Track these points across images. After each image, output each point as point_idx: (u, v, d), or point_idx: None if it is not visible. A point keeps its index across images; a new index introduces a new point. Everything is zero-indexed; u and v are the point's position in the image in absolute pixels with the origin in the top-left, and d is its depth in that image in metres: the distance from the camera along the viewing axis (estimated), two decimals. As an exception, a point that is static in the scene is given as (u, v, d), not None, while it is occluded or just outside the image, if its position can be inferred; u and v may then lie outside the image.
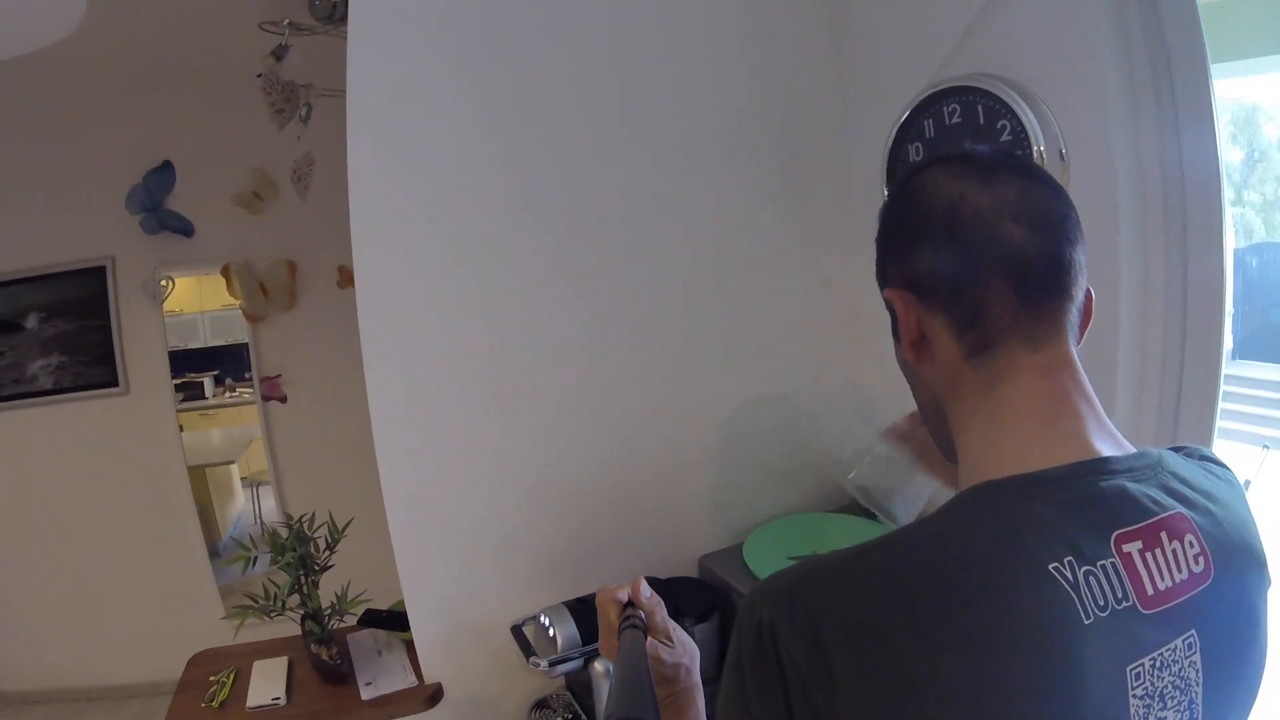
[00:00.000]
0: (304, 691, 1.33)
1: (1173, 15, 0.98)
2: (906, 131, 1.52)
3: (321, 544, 1.40)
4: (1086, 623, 0.44)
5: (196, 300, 2.95)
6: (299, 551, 1.30)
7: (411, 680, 1.36)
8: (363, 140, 1.18)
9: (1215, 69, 0.99)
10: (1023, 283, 0.51)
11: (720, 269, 1.55)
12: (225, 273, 2.68)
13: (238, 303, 2.83)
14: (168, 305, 2.80)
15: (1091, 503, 0.47)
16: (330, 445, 2.86)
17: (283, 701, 1.29)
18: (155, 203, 2.62)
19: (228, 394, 3.33)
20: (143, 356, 2.74)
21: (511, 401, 1.36)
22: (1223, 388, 1.10)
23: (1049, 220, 0.52)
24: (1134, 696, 0.45)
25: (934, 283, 0.54)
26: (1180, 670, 0.47)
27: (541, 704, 1.34)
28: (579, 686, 1.35)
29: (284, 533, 1.40)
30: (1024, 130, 1.21)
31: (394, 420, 1.26)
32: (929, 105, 1.47)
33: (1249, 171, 1.25)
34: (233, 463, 3.16)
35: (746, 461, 1.64)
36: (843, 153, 1.69)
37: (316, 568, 1.37)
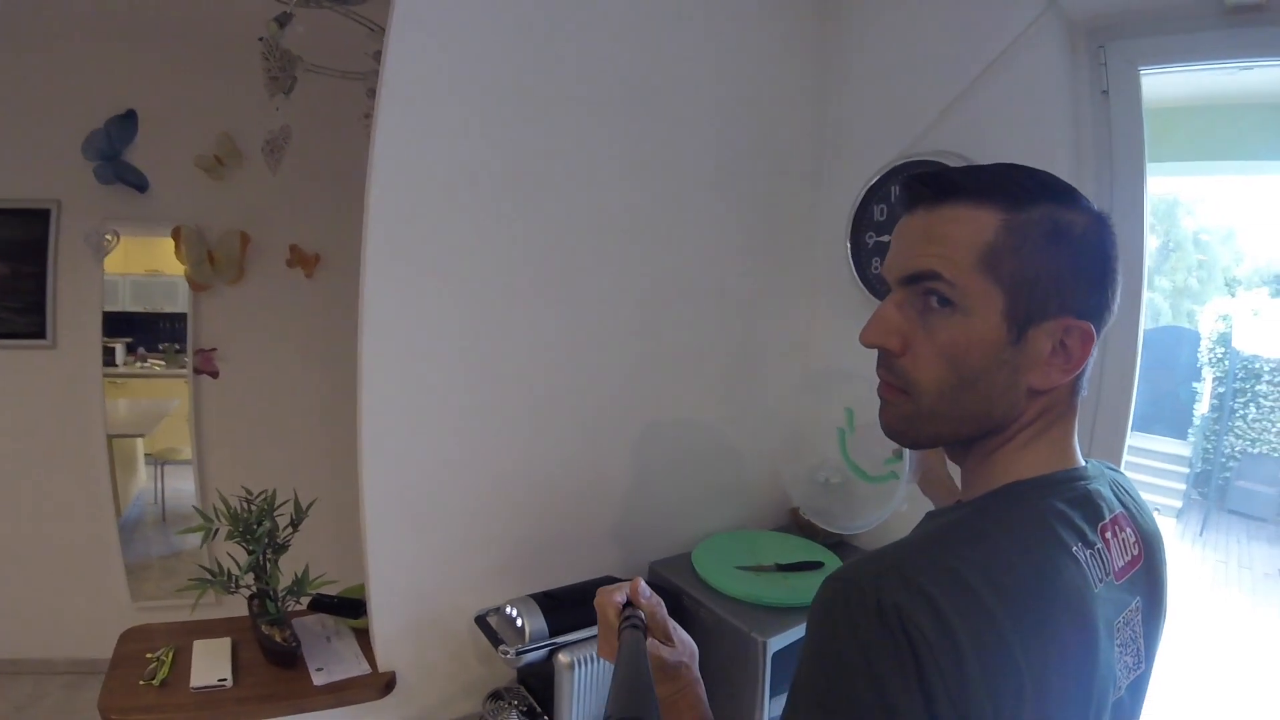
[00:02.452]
0: (252, 674, 1.29)
1: (1121, 123, 1.17)
2: (874, 194, 1.69)
3: (282, 522, 1.37)
4: (1095, 591, 0.56)
5: (121, 262, 2.76)
6: (267, 526, 1.27)
7: (364, 668, 1.35)
8: (389, 131, 1.20)
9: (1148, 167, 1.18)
10: None
11: (692, 299, 1.66)
12: (175, 235, 2.54)
13: (163, 270, 2.69)
14: (92, 262, 2.62)
15: (1084, 501, 0.60)
16: (260, 426, 2.76)
17: (229, 683, 1.25)
18: (114, 151, 2.46)
19: (139, 364, 3.14)
20: (75, 312, 2.55)
21: (495, 400, 1.40)
22: (1126, 457, 1.30)
23: None
24: (1116, 645, 0.58)
25: (1102, 325, 0.60)
26: (1134, 626, 0.61)
27: (495, 695, 1.37)
28: (533, 679, 1.38)
29: (240, 507, 1.36)
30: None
31: (383, 407, 1.26)
32: (898, 173, 1.63)
33: (1163, 259, 1.46)
34: (143, 436, 2.97)
35: (699, 478, 1.74)
36: (812, 204, 1.84)
37: (276, 545, 1.34)
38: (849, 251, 1.74)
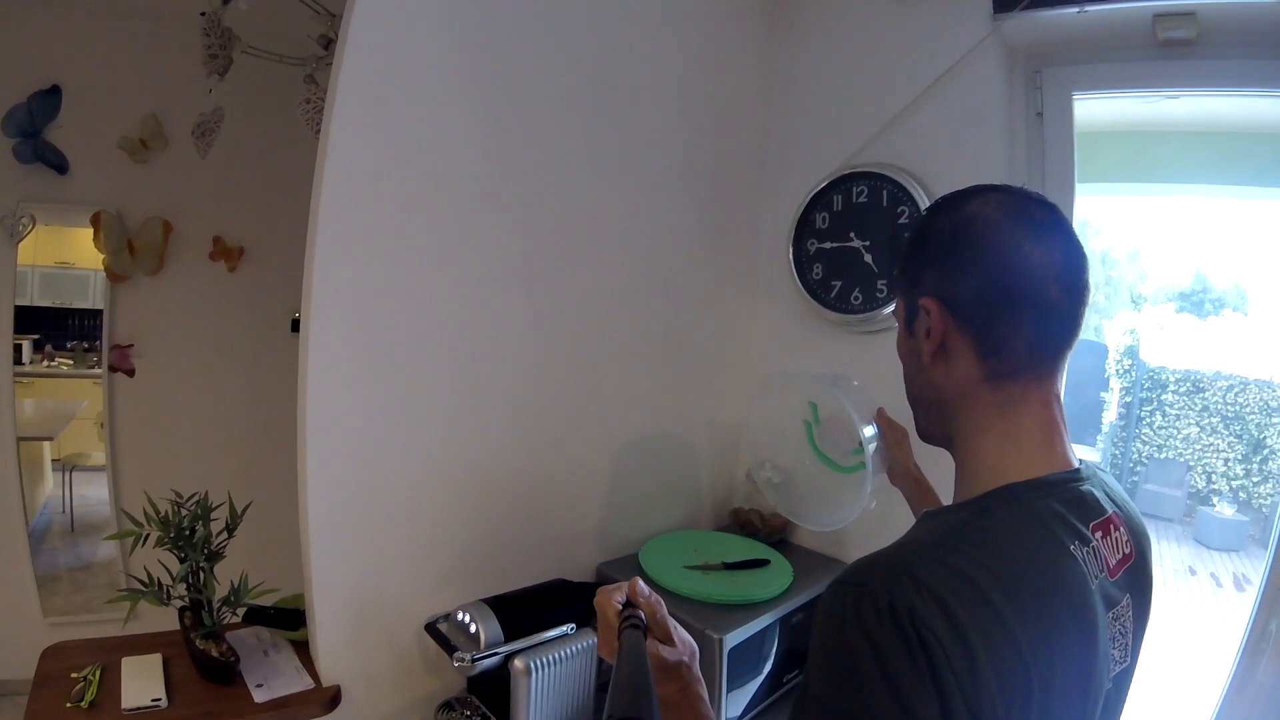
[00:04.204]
0: (187, 692, 1.22)
1: (1053, 144, 1.24)
2: (817, 201, 1.74)
3: (215, 528, 1.30)
4: (1092, 586, 0.59)
5: (30, 253, 2.56)
6: (204, 532, 1.20)
7: (307, 682, 1.29)
8: (347, 112, 1.16)
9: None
10: (1045, 332, 0.64)
11: (642, 305, 1.68)
12: (95, 221, 2.36)
13: (74, 263, 2.50)
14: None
15: (1078, 501, 0.64)
16: (177, 429, 2.60)
17: (164, 703, 1.17)
18: (35, 129, 2.28)
19: (46, 363, 2.94)
20: (-16, 303, 2.34)
21: (441, 401, 1.37)
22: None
23: (1078, 285, 0.65)
24: (1109, 638, 0.61)
25: (973, 309, 0.64)
26: (1125, 620, 0.65)
27: (447, 706, 1.34)
28: (484, 686, 1.36)
29: (172, 511, 1.28)
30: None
31: (327, 406, 1.21)
32: (840, 183, 1.69)
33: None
34: (51, 439, 2.76)
35: (643, 479, 1.76)
36: (757, 210, 1.88)
37: (211, 553, 1.27)
38: (791, 257, 1.78)
